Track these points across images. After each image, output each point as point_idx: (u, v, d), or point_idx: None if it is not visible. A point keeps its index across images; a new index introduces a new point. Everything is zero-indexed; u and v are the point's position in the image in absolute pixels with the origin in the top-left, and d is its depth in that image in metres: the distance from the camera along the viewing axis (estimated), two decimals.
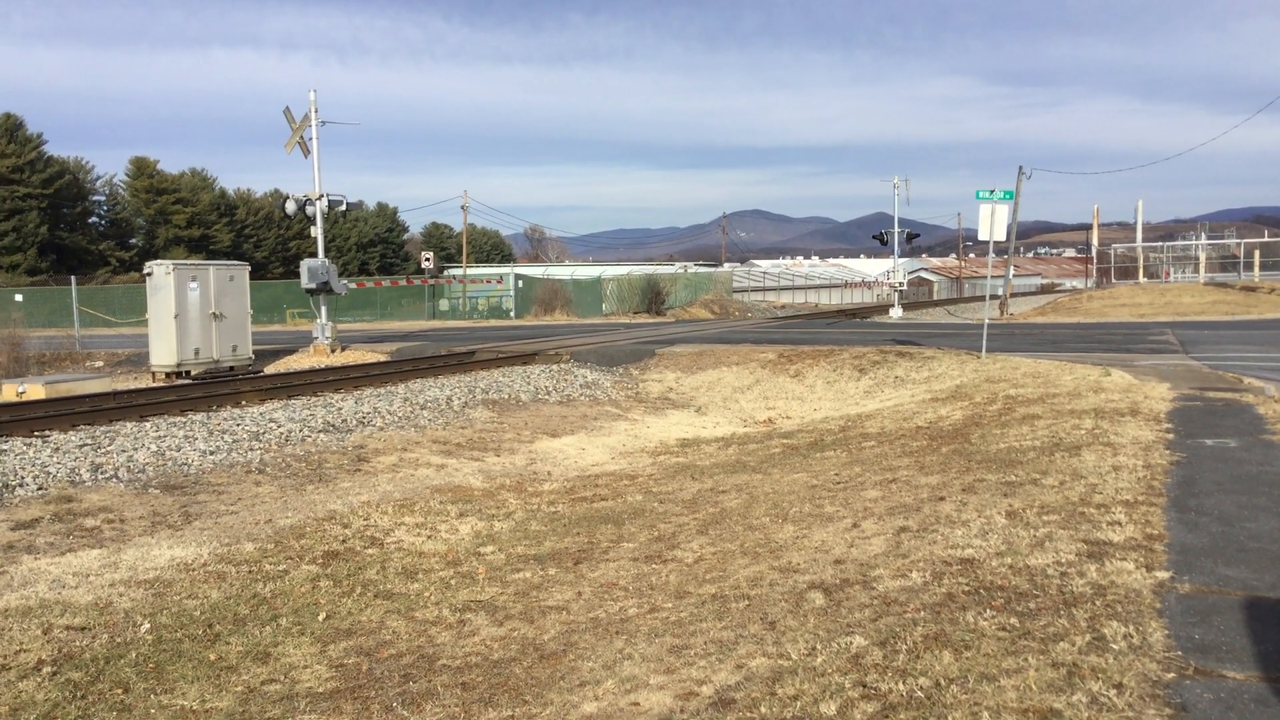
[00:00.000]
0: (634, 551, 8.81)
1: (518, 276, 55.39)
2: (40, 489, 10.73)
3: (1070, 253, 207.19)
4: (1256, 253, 55.82)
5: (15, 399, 17.99)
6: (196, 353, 22.88)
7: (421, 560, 9.01)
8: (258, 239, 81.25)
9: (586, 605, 7.43)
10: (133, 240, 75.37)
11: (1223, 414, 11.80)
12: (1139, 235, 68.04)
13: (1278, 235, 73.28)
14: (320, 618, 7.48)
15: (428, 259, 56.31)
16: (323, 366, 23.95)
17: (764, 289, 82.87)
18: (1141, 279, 58.06)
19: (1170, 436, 10.35)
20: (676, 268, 74.77)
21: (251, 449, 13.21)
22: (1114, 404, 12.70)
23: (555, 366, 22.63)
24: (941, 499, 8.70)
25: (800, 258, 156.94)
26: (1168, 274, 60.24)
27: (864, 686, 4.85)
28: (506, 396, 18.65)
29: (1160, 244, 69.32)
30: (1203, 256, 58.95)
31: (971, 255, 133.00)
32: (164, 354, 22.68)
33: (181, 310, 22.55)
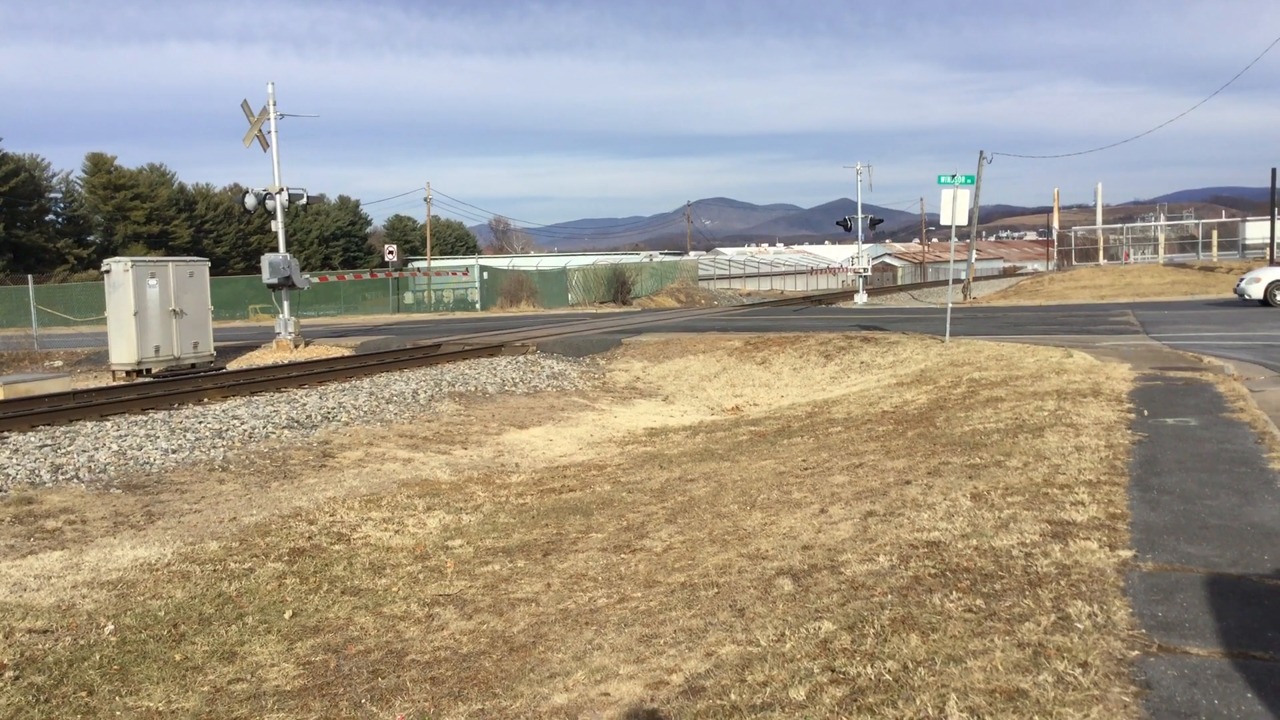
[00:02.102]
0: (603, 542, 8.80)
1: (483, 268, 55.18)
2: None
3: (1032, 236, 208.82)
4: (1215, 233, 56.54)
5: None
6: (157, 350, 22.62)
7: (389, 555, 8.96)
8: (218, 234, 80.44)
9: (556, 597, 7.41)
10: (91, 237, 74.43)
11: (1183, 393, 11.93)
12: (1099, 217, 68.69)
13: (1235, 216, 74.20)
14: (287, 615, 7.42)
15: (391, 252, 56.00)
16: (286, 362, 23.73)
17: (729, 276, 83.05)
18: (1102, 261, 58.65)
19: (1132, 416, 10.45)
20: (642, 257, 74.78)
21: (215, 447, 13.08)
22: (1076, 385, 12.81)
23: (522, 358, 22.56)
24: (907, 483, 8.75)
25: (765, 245, 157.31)
26: (1128, 255, 60.88)
27: (833, 671, 4.86)
28: (473, 389, 18.57)
29: (1120, 226, 70.02)
30: (1162, 238, 59.62)
31: (935, 240, 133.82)
32: (124, 352, 22.39)
33: (141, 308, 22.27)
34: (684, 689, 5.14)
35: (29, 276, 38.39)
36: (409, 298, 55.81)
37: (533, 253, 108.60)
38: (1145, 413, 10.64)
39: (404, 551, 9.06)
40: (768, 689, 4.83)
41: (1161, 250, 58.38)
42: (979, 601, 5.43)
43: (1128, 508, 6.94)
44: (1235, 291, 30.34)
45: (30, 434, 13.53)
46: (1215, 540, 6.16)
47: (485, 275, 53.39)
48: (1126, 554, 5.94)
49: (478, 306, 51.25)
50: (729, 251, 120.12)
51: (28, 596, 7.70)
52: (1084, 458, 8.58)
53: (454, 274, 59.67)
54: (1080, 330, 22.17)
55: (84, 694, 6.07)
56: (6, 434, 13.52)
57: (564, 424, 16.45)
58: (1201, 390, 12.10)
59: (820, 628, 5.49)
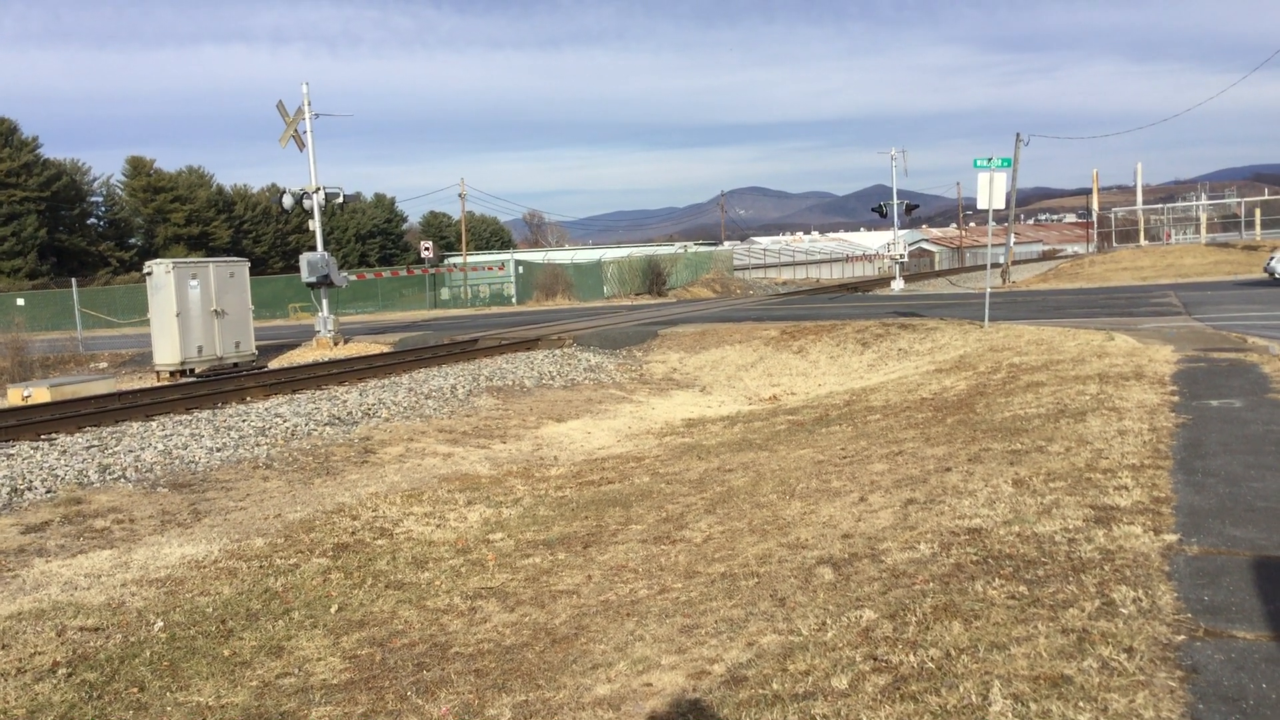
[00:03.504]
0: (642, 533, 8.83)
1: (518, 262, 55.32)
2: (49, 492, 10.76)
3: (1071, 218, 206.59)
4: (1258, 211, 55.53)
5: (21, 403, 18.02)
6: (200, 350, 22.90)
7: (431, 549, 9.04)
8: (257, 234, 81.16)
9: (597, 588, 7.45)
10: (132, 240, 75.34)
11: (1227, 374, 11.78)
12: (1139, 198, 67.71)
13: (1278, 193, 72.91)
14: (332, 610, 7.51)
15: (427, 248, 56.24)
16: (326, 360, 23.96)
17: (765, 266, 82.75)
18: (1143, 242, 57.88)
19: (1175, 399, 10.33)
20: (676, 248, 74.60)
21: (258, 444, 13.23)
22: (1118, 368, 12.68)
23: (558, 351, 22.63)
24: (948, 470, 8.70)
25: (800, 233, 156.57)
26: (1169, 236, 60.02)
27: (875, 659, 4.86)
28: (511, 383, 18.66)
29: (1161, 206, 68.98)
30: (1203, 217, 58.68)
31: (972, 224, 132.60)
32: (167, 353, 22.70)
33: (183, 308, 22.56)
34: (726, 679, 5.15)
35: (73, 280, 38.99)
36: (446, 293, 56.09)
37: (567, 246, 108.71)
38: (1189, 395, 10.51)
39: (446, 545, 9.14)
40: (810, 678, 4.84)
41: (1203, 230, 57.47)
42: (1022, 588, 5.40)
43: (1172, 491, 6.87)
44: (1265, 270, 29.83)
45: (77, 435, 13.75)
46: (1262, 523, 6.09)
47: (521, 270, 53.54)
48: (1171, 538, 5.89)
49: (514, 301, 51.43)
50: (764, 240, 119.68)
51: (79, 595, 7.84)
52: (1127, 441, 8.50)
53: (490, 269, 59.90)
54: (1122, 313, 21.92)
55: (135, 690, 6.18)
56: (54, 435, 13.76)
57: (602, 416, 16.49)
58: (1246, 371, 11.93)
59: (862, 616, 5.49)
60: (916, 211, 51.98)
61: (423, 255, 56.35)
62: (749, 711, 4.64)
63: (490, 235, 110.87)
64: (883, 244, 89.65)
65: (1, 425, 14.08)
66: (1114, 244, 58.91)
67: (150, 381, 22.38)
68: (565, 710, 5.28)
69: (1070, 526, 6.31)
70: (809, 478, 9.76)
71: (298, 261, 28.97)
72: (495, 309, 47.54)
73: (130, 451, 12.59)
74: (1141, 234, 59.32)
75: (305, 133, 27.63)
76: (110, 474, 11.53)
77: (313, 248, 28.52)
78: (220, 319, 23.34)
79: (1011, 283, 44.10)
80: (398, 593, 7.87)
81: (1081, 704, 4.05)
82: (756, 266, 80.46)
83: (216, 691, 6.14)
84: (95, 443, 13.11)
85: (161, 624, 7.24)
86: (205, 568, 8.51)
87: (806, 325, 22.81)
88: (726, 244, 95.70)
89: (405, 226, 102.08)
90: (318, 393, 17.41)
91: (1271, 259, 29.52)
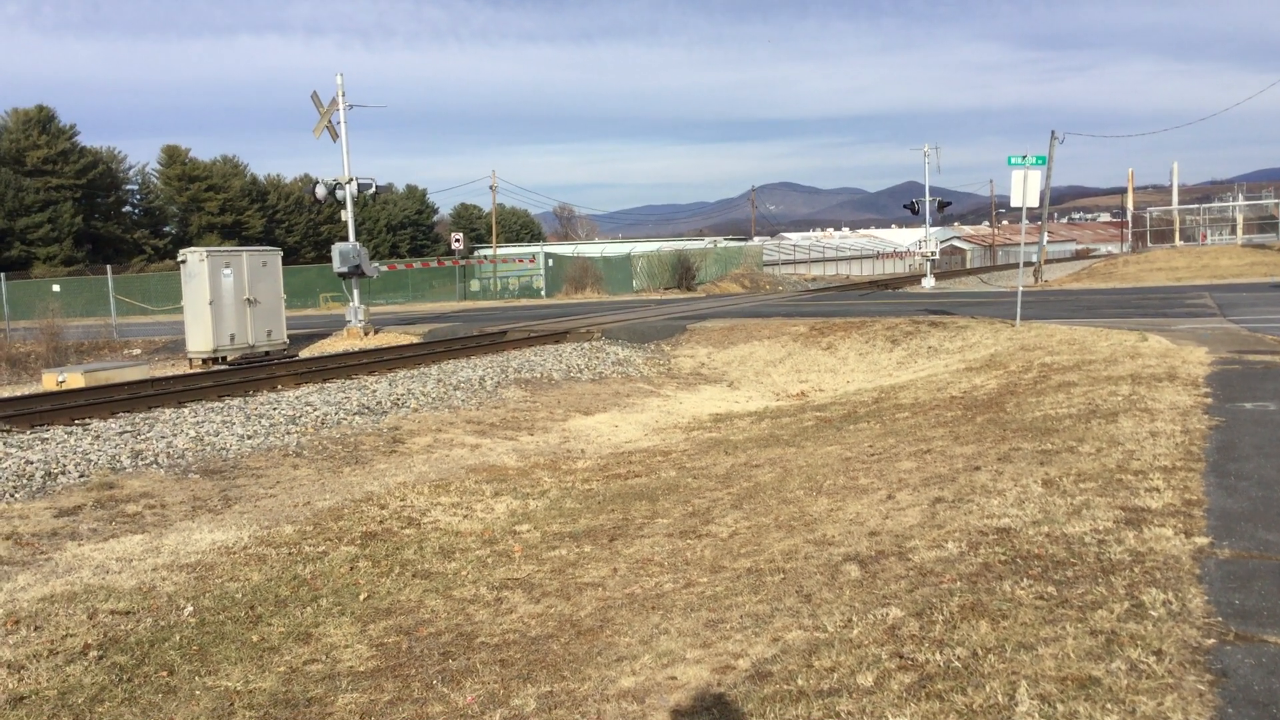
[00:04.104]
0: (668, 527, 8.83)
1: (548, 255, 55.38)
2: (82, 476, 10.89)
3: (1105, 217, 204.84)
4: None
5: (55, 388, 18.24)
6: (232, 338, 23.10)
7: (458, 539, 9.08)
8: (289, 224, 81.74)
9: (622, 581, 7.46)
10: (166, 228, 76.08)
11: (1262, 377, 11.65)
12: (1174, 198, 66.97)
13: None
14: (360, 598, 7.56)
15: (458, 240, 56.38)
16: (356, 349, 24.11)
17: (794, 261, 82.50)
18: (1178, 242, 57.27)
19: (1209, 401, 10.23)
20: (706, 243, 74.46)
21: (288, 433, 13.33)
22: (1151, 369, 12.57)
23: (587, 344, 22.65)
24: (977, 469, 8.65)
25: (830, 229, 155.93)
26: (1204, 236, 59.36)
27: (901, 657, 4.84)
28: (539, 375, 18.70)
29: (1196, 206, 68.20)
30: (1240, 218, 57.98)
31: (1005, 222, 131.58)
32: (200, 340, 22.91)
33: (216, 297, 22.75)
34: (750, 673, 5.15)
35: (108, 267, 39.40)
36: (475, 285, 56.23)
37: (597, 239, 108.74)
38: (1222, 397, 10.40)
39: (472, 536, 9.18)
40: (835, 674, 4.83)
41: (1240, 231, 56.81)
42: (1050, 589, 5.37)
43: (1204, 494, 6.81)
44: None
45: (111, 421, 13.90)
46: None
47: (550, 262, 53.59)
48: (1202, 541, 5.83)
49: (543, 293, 51.51)
50: (794, 236, 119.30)
51: (110, 579, 7.93)
52: (1159, 443, 8.42)
53: (519, 261, 60.01)
54: (1155, 313, 21.70)
55: (164, 674, 6.25)
56: (88, 420, 13.91)
57: (629, 410, 16.50)
58: None
59: (888, 614, 5.47)
60: (949, 209, 51.69)
61: (453, 247, 56.50)
62: (773, 707, 4.63)
63: (520, 228, 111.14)
64: (914, 241, 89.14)
65: (36, 410, 14.27)
66: (1148, 244, 58.33)
67: (183, 369, 22.60)
68: (590, 701, 5.29)
69: (1100, 528, 6.27)
70: (836, 475, 9.74)
71: (329, 251, 29.15)
72: (524, 301, 47.63)
73: (162, 438, 12.72)
74: (1177, 234, 58.72)
75: (339, 124, 27.80)
76: (142, 459, 11.66)
77: (344, 238, 28.69)
78: (253, 307, 23.52)
79: (1044, 282, 43.76)
80: (424, 582, 7.91)
81: (1109, 706, 4.02)
82: (786, 262, 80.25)
83: (245, 676, 6.19)
84: (128, 428, 13.25)
85: (191, 609, 7.31)
86: (235, 554, 8.59)
87: (836, 322, 22.73)
88: (756, 239, 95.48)
89: (436, 218, 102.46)
90: (348, 382, 17.52)
91: None
